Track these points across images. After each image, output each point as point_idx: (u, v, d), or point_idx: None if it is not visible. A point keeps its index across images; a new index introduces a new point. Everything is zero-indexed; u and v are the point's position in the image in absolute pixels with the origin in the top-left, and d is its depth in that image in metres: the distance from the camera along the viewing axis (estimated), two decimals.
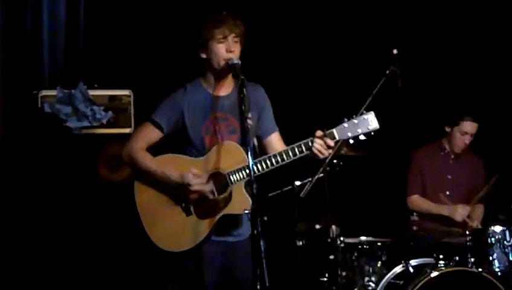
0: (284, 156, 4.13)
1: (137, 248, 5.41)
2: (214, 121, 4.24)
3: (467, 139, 5.94)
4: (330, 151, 4.15)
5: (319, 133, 4.13)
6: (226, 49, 4.15)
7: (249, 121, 4.00)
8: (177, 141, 4.30)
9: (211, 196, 4.15)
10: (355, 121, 4.14)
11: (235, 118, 4.25)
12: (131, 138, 4.38)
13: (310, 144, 4.12)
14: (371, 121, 4.13)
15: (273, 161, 4.13)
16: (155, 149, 4.30)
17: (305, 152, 4.13)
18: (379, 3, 6.62)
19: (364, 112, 4.18)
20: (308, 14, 6.58)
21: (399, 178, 6.11)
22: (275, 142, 4.36)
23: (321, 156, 4.14)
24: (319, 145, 4.11)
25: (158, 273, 5.59)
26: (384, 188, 6.37)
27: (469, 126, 5.92)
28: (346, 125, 4.13)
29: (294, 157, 4.13)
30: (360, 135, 4.14)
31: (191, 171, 4.14)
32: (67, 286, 5.54)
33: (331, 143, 4.11)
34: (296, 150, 4.13)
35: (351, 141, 4.17)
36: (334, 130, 4.13)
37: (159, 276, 5.62)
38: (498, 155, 6.31)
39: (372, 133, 4.14)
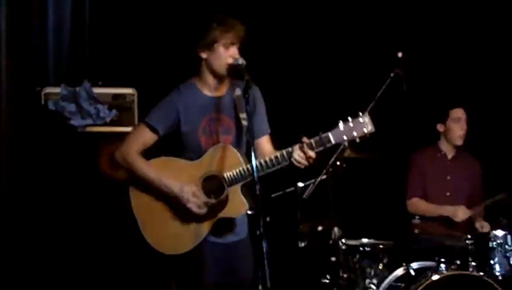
0: (269, 163, 4.05)
1: (138, 246, 5.41)
2: (209, 122, 4.23)
3: (463, 126, 5.95)
4: (310, 161, 4.04)
5: (305, 139, 4.03)
6: (231, 55, 4.14)
7: (244, 122, 4.05)
8: (172, 143, 4.28)
9: (201, 214, 4.14)
10: (351, 124, 4.00)
11: (230, 118, 4.24)
12: (126, 140, 4.33)
13: (291, 152, 4.04)
14: (366, 124, 4.00)
15: (268, 164, 4.07)
16: (149, 151, 4.29)
17: (287, 161, 4.05)
18: (384, 6, 6.61)
19: (360, 114, 4.03)
20: (312, 17, 6.58)
21: (402, 180, 6.11)
22: (264, 144, 4.32)
23: (300, 167, 4.05)
24: (299, 157, 4.02)
25: (158, 272, 5.59)
26: (386, 190, 6.36)
27: (459, 112, 5.95)
28: (341, 128, 4.01)
29: (278, 166, 4.06)
30: (355, 138, 4.02)
31: (192, 189, 4.13)
32: (69, 282, 5.55)
33: (312, 154, 4.01)
34: (279, 158, 4.06)
35: (346, 144, 4.13)
36: (330, 134, 4.02)
37: (159, 275, 5.62)
38: (498, 160, 6.32)
39: (368, 136, 4.03)
